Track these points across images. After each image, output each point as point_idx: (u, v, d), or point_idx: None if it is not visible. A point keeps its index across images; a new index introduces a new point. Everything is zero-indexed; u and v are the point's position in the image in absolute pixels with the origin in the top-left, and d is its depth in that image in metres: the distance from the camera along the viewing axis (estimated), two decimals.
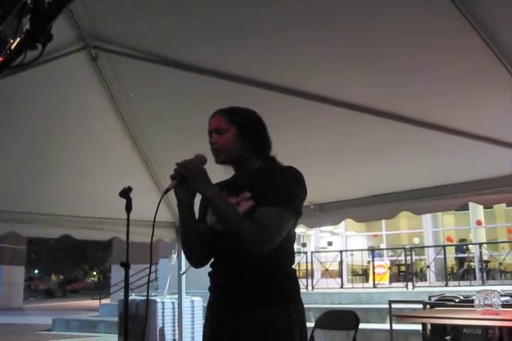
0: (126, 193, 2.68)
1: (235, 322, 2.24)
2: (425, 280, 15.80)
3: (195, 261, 2.44)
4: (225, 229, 2.26)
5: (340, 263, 16.47)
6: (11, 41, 1.73)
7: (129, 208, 2.68)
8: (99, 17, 3.56)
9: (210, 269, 2.41)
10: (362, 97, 3.66)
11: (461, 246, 17.44)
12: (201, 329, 9.49)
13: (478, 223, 17.43)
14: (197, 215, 2.44)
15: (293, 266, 2.39)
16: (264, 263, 2.21)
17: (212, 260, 2.41)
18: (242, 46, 3.46)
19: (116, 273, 20.01)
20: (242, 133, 2.38)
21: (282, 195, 2.24)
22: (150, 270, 2.32)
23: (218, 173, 2.42)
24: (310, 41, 3.26)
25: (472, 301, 5.11)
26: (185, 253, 2.47)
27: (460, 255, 16.97)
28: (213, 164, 2.39)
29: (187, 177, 2.26)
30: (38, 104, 4.12)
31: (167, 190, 2.29)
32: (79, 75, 4.04)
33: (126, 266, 2.55)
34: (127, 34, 3.67)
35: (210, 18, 3.30)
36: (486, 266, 15.77)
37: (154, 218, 2.24)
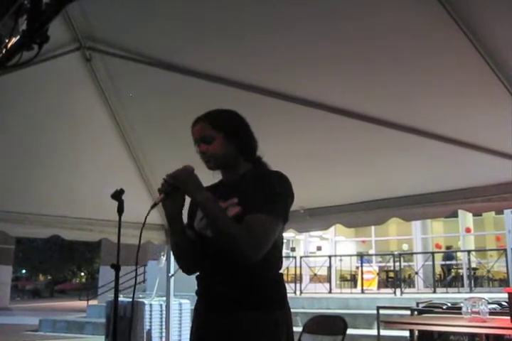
0: (118, 195, 2.68)
1: (220, 326, 2.23)
2: (413, 286, 15.85)
3: (188, 268, 2.45)
4: (214, 235, 2.26)
5: (329, 268, 16.50)
6: (7, 41, 1.73)
7: (120, 210, 2.68)
8: (93, 18, 3.56)
9: (198, 273, 2.41)
10: (353, 103, 3.67)
11: (450, 253, 17.49)
12: (188, 331, 9.47)
13: (467, 230, 17.50)
14: (185, 220, 2.44)
15: (280, 271, 2.39)
16: (251, 268, 2.20)
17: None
18: (236, 50, 3.48)
19: (104, 275, 19.92)
20: (230, 138, 2.37)
21: (270, 201, 2.23)
22: (136, 273, 2.31)
23: (206, 177, 2.42)
24: (299, 45, 3.27)
25: (460, 308, 5.12)
26: (176, 261, 2.47)
27: (448, 262, 17.01)
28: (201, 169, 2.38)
29: (179, 185, 2.25)
30: (30, 104, 4.11)
31: (155, 205, 2.28)
32: (72, 76, 4.04)
33: (116, 267, 2.55)
34: (121, 35, 3.67)
35: (204, 21, 3.31)
36: (474, 273, 15.83)
37: (141, 230, 2.27)
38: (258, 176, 2.32)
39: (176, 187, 2.26)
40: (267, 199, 2.23)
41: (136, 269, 2.34)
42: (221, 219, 2.21)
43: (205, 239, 2.32)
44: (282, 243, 2.42)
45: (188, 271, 2.46)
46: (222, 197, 2.31)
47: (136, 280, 2.40)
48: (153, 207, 2.28)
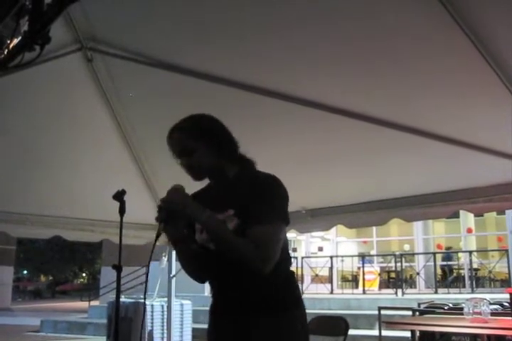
0: (119, 196, 2.68)
1: (237, 329, 2.24)
2: (415, 287, 15.83)
3: (202, 279, 2.48)
4: (223, 252, 2.24)
5: (331, 268, 16.49)
6: (8, 42, 1.73)
7: (122, 211, 2.68)
8: (95, 19, 3.56)
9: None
10: (354, 103, 3.67)
11: (449, 254, 17.47)
12: (190, 332, 9.49)
13: (469, 231, 17.48)
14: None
15: (291, 268, 2.39)
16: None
17: None
18: (236, 50, 3.48)
19: (106, 275, 19.91)
20: (210, 145, 2.30)
21: (270, 209, 2.20)
22: (147, 275, 2.30)
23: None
24: (300, 45, 3.27)
25: (461, 309, 5.12)
26: (189, 274, 2.46)
27: (450, 262, 16.99)
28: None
29: (176, 209, 2.20)
30: (31, 105, 4.11)
31: (158, 235, 2.25)
32: (74, 76, 4.04)
33: (118, 268, 2.55)
34: (123, 36, 3.67)
35: (204, 22, 3.31)
36: (476, 273, 15.80)
37: (151, 256, 2.29)
38: (252, 181, 2.28)
39: (173, 212, 2.22)
40: (267, 207, 2.20)
41: (147, 273, 2.29)
42: (227, 239, 2.19)
43: (210, 252, 2.31)
44: (287, 243, 2.40)
45: (202, 281, 2.48)
46: (218, 208, 2.26)
47: (146, 281, 2.37)
48: (157, 238, 2.26)
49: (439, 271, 16.62)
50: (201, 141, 2.29)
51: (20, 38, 1.72)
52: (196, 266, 2.41)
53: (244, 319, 2.23)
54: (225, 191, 2.33)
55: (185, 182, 2.33)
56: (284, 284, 2.31)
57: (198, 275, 2.46)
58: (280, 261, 2.25)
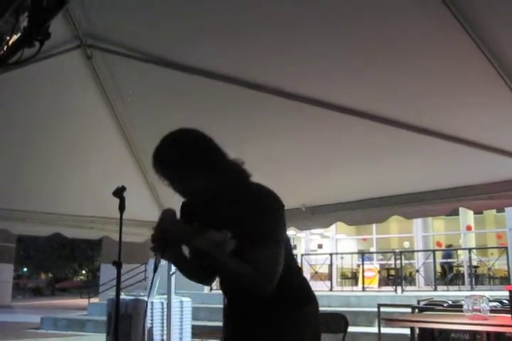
0: (119, 193, 2.68)
1: (249, 327, 2.25)
2: (414, 284, 15.85)
3: (207, 283, 2.51)
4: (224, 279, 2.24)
5: (330, 266, 16.51)
6: (8, 38, 1.73)
7: (122, 207, 2.69)
8: (94, 16, 3.55)
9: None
10: (355, 101, 3.66)
11: (448, 252, 17.48)
12: (189, 329, 9.50)
13: (468, 228, 17.49)
14: None
15: (296, 264, 2.41)
16: None
17: None
18: (237, 48, 3.47)
19: (106, 272, 19.93)
20: (200, 168, 2.20)
21: (268, 231, 2.16)
22: (154, 272, 2.27)
23: None
24: (304, 43, 3.27)
25: (460, 306, 5.13)
26: (194, 281, 2.47)
27: (450, 260, 17.01)
28: None
29: (172, 238, 2.17)
30: (31, 102, 4.11)
31: (157, 266, 2.21)
32: (73, 73, 4.03)
33: (118, 265, 2.56)
34: (122, 33, 3.67)
35: (206, 19, 3.30)
36: (475, 271, 15.82)
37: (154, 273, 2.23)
38: (245, 200, 2.21)
39: (167, 240, 2.17)
40: (264, 229, 2.15)
41: (155, 270, 2.26)
42: (226, 265, 2.15)
43: None
44: (290, 245, 2.38)
45: (208, 284, 2.49)
46: (209, 220, 2.21)
47: (153, 278, 2.35)
48: (156, 269, 2.22)
49: (438, 269, 16.65)
50: (189, 166, 2.20)
51: (19, 34, 1.72)
52: (200, 275, 2.43)
53: (254, 318, 2.23)
54: (219, 210, 2.25)
55: None
56: (294, 282, 2.30)
57: (204, 281, 2.49)
58: (288, 264, 2.22)
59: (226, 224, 2.16)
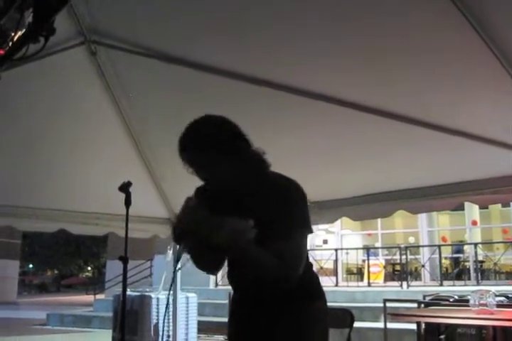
0: (125, 188, 2.68)
1: (259, 323, 2.22)
2: (420, 279, 15.82)
3: (212, 271, 2.45)
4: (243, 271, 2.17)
5: (335, 261, 16.49)
6: (12, 34, 1.73)
7: (128, 202, 2.69)
8: (98, 12, 3.55)
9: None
10: (360, 96, 3.66)
11: (459, 246, 17.45)
12: (195, 325, 9.48)
13: (474, 223, 17.45)
14: None
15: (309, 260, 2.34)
16: None
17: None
18: (243, 43, 3.46)
19: (111, 269, 19.99)
20: (229, 156, 2.17)
21: (292, 222, 2.12)
22: (175, 268, 2.25)
23: None
24: (310, 39, 3.26)
25: (467, 301, 5.12)
26: (199, 268, 2.40)
27: (455, 255, 16.99)
28: None
29: (191, 231, 2.09)
30: (36, 99, 4.12)
31: (179, 256, 2.16)
32: (78, 70, 4.04)
33: (124, 260, 2.56)
34: (127, 29, 3.67)
35: (210, 15, 3.29)
36: (481, 266, 15.80)
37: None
38: (270, 189, 2.18)
39: (189, 231, 2.10)
40: (289, 220, 2.12)
41: (177, 260, 2.22)
42: (250, 257, 2.09)
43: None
44: None
45: (214, 273, 2.46)
46: (230, 208, 2.15)
47: (175, 267, 2.29)
48: (178, 259, 2.18)
49: (444, 264, 16.64)
50: (218, 152, 2.15)
51: (24, 30, 1.72)
52: (210, 264, 2.39)
53: (265, 312, 2.20)
54: (242, 198, 2.22)
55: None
56: (304, 275, 2.23)
57: (208, 270, 2.44)
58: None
59: (248, 213, 2.11)
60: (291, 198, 2.17)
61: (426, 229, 17.40)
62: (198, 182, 2.31)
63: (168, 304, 7.61)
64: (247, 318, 2.29)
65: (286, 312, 2.18)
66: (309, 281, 2.31)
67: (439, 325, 5.89)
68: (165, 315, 7.80)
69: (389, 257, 17.50)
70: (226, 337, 2.42)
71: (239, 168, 2.20)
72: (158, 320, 9.01)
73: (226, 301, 2.50)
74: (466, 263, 16.37)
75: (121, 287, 2.81)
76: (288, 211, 2.13)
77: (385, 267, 16.44)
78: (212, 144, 2.16)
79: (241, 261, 2.17)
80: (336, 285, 15.23)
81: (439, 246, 15.29)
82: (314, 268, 2.46)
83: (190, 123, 2.24)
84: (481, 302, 4.66)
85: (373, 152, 4.28)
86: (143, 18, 3.47)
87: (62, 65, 3.79)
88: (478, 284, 13.36)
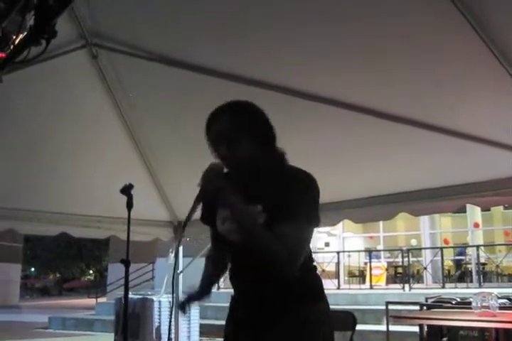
0: (127, 190, 2.68)
1: (260, 324, 2.19)
2: (422, 282, 15.82)
3: (216, 276, 2.53)
4: (247, 244, 2.13)
5: (337, 264, 16.47)
6: (14, 37, 1.73)
7: (130, 205, 2.69)
8: (100, 15, 3.56)
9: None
10: (360, 98, 3.66)
11: (462, 249, 17.43)
12: (197, 328, 9.46)
13: (476, 225, 17.44)
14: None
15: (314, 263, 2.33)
16: None
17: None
18: (242, 44, 3.47)
19: (113, 272, 19.99)
20: (256, 137, 2.18)
21: (302, 208, 2.10)
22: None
23: None
24: (311, 42, 3.27)
25: (469, 303, 5.11)
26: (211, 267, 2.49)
27: (457, 257, 16.97)
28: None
29: (209, 190, 2.11)
30: (38, 102, 4.12)
31: (190, 217, 2.14)
32: (79, 73, 4.05)
33: (126, 263, 2.56)
34: (128, 32, 3.67)
35: (211, 17, 3.30)
36: (483, 268, 15.77)
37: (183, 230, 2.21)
38: (285, 177, 2.18)
39: (207, 191, 2.12)
40: (299, 206, 2.10)
41: (187, 220, 2.18)
42: (256, 231, 2.09)
43: (231, 244, 2.24)
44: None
45: (218, 277, 2.52)
46: (242, 194, 2.14)
47: (183, 231, 2.32)
48: (188, 218, 2.15)
49: (451, 266, 16.64)
50: (247, 130, 2.17)
51: (25, 33, 1.72)
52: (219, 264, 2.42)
53: (265, 313, 2.17)
54: (254, 183, 2.22)
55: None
56: (308, 277, 2.25)
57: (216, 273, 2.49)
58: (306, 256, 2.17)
59: (260, 198, 2.14)
60: (306, 189, 2.16)
61: (428, 232, 17.40)
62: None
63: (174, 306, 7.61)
64: (247, 317, 2.26)
65: (288, 312, 2.15)
66: (313, 283, 2.29)
67: (441, 327, 5.87)
68: (170, 319, 7.80)
69: (391, 259, 17.50)
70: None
71: (261, 151, 2.20)
72: (160, 323, 9.00)
73: (228, 304, 2.51)
74: (468, 266, 16.36)
75: (123, 290, 2.80)
76: (301, 201, 2.12)
77: (387, 269, 16.43)
78: (246, 121, 2.18)
79: (245, 235, 2.14)
80: (338, 287, 15.21)
81: (441, 249, 15.28)
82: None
83: (229, 101, 2.26)
84: (484, 304, 4.65)
85: (374, 154, 4.27)
86: (143, 21, 3.47)
87: (63, 68, 3.80)
88: (480, 286, 13.34)
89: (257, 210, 2.11)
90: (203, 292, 2.43)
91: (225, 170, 2.21)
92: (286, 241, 2.02)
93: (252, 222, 2.10)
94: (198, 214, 2.43)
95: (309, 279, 2.26)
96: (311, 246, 2.25)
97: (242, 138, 2.16)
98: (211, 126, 2.22)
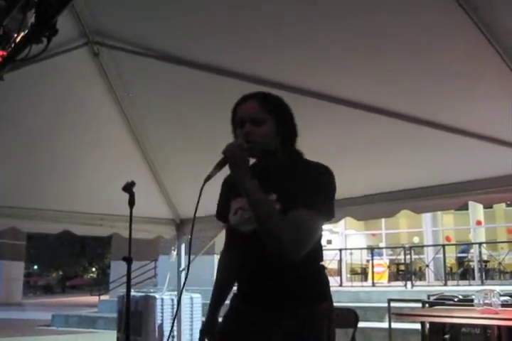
0: (129, 188, 2.68)
1: (263, 321, 2.17)
2: (424, 279, 15.80)
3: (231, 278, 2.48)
4: (258, 227, 2.11)
5: (340, 261, 16.47)
6: (15, 35, 1.73)
7: (132, 203, 2.69)
8: (101, 12, 3.56)
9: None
10: (362, 95, 3.65)
11: (461, 246, 17.42)
12: (199, 326, 9.47)
13: (478, 223, 17.42)
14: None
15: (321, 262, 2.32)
16: (293, 263, 2.10)
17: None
18: (243, 42, 3.46)
19: (116, 269, 20.03)
20: (279, 125, 2.25)
21: (318, 198, 2.13)
22: (188, 269, 2.26)
23: None
24: (313, 40, 3.26)
25: (471, 301, 5.12)
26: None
27: (459, 255, 16.95)
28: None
29: (228, 164, 2.11)
30: (39, 100, 4.12)
31: (209, 179, 2.10)
32: (81, 70, 4.04)
33: (128, 260, 2.56)
34: (129, 30, 3.67)
35: (212, 15, 3.30)
36: (485, 265, 15.76)
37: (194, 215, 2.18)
38: (303, 168, 2.23)
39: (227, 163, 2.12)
40: (315, 195, 2.13)
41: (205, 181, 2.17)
42: (266, 211, 2.08)
43: (242, 236, 2.23)
44: (321, 235, 2.28)
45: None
46: (259, 179, 2.14)
47: (188, 272, 2.29)
48: (207, 179, 2.09)
49: (453, 263, 16.62)
50: (273, 116, 2.23)
51: (26, 31, 1.72)
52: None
53: (270, 310, 2.16)
54: (271, 173, 2.25)
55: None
56: (316, 276, 2.26)
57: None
58: (313, 252, 2.16)
59: (276, 187, 2.16)
60: (324, 181, 2.21)
61: (430, 229, 17.38)
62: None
63: (178, 304, 7.63)
64: (250, 315, 2.24)
65: (293, 311, 2.14)
66: (322, 282, 2.30)
67: (443, 324, 5.88)
68: (175, 317, 7.82)
69: (393, 257, 17.49)
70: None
71: (283, 138, 2.27)
72: (162, 320, 9.02)
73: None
74: (471, 263, 16.36)
75: (126, 288, 2.79)
76: (317, 191, 2.15)
77: (389, 267, 16.41)
78: (276, 107, 2.27)
79: (255, 215, 2.11)
80: (340, 285, 15.21)
81: (443, 246, 15.26)
82: None
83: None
84: (486, 301, 4.65)
85: (376, 151, 4.26)
86: (145, 19, 3.47)
87: (64, 67, 3.80)
88: (482, 284, 13.33)
89: (271, 198, 2.13)
90: (213, 320, 2.47)
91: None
92: (297, 224, 2.04)
93: (268, 205, 2.10)
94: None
95: (320, 278, 2.28)
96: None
97: (268, 119, 2.22)
98: (239, 107, 2.28)
